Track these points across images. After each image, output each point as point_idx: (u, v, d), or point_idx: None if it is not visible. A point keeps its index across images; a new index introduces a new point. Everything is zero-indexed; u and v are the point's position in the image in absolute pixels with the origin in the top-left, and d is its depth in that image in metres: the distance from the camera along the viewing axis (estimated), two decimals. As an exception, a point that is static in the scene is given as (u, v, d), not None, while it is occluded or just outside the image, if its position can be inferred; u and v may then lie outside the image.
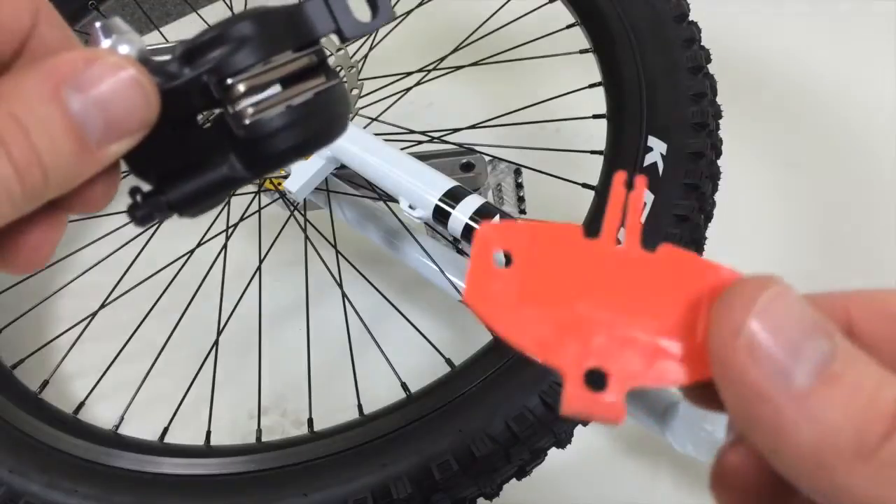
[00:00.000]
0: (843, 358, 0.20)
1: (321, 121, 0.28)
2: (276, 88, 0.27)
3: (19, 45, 0.26)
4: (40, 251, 0.27)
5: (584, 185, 0.74)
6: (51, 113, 0.24)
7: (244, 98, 0.27)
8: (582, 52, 0.81)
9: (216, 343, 0.78)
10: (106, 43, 0.26)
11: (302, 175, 0.75)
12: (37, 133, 0.24)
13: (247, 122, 0.27)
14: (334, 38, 0.29)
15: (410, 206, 0.68)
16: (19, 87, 0.24)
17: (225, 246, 0.83)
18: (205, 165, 0.28)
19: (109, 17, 0.28)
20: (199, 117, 0.28)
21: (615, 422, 0.21)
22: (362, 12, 0.29)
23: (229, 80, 0.26)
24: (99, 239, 0.88)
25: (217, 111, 0.27)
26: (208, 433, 0.72)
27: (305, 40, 0.28)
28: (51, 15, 0.27)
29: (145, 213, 0.28)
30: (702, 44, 0.77)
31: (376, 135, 0.75)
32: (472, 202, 0.66)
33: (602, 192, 0.72)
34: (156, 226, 0.84)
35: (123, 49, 0.26)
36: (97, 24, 0.26)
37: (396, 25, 0.93)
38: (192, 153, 0.28)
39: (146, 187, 0.28)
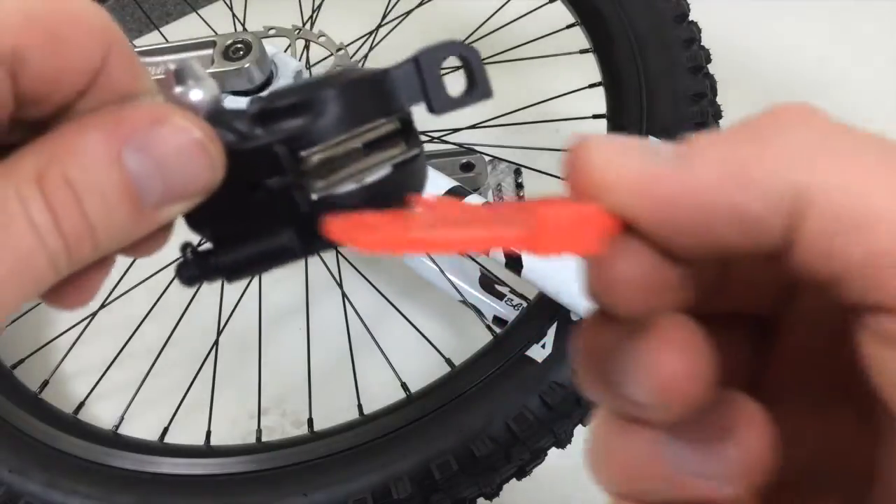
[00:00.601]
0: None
1: (394, 198, 0.25)
2: (351, 160, 0.25)
3: (87, 84, 0.23)
4: (86, 293, 0.26)
5: (584, 185, 0.74)
6: (109, 177, 0.22)
7: (315, 172, 0.24)
8: (582, 52, 0.81)
9: (216, 343, 0.78)
10: (178, 87, 0.24)
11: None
12: (91, 200, 0.22)
13: (314, 196, 0.24)
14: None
15: (410, 206, 0.68)
16: (77, 144, 0.22)
17: (225, 246, 0.83)
18: (262, 235, 0.25)
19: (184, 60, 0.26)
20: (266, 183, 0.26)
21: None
22: (455, 85, 0.26)
23: (303, 153, 0.24)
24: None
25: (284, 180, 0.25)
26: (208, 433, 0.72)
27: (390, 112, 0.25)
28: (123, 50, 0.24)
29: (194, 273, 0.26)
30: (702, 44, 0.77)
31: (376, 135, 0.75)
32: (471, 202, 0.66)
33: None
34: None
35: (195, 95, 0.24)
36: (172, 67, 0.25)
37: (396, 25, 0.93)
38: (251, 219, 0.26)
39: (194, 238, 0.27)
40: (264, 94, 0.26)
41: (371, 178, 0.25)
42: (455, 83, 0.26)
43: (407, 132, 0.26)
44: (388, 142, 0.26)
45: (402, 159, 0.26)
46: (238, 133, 0.24)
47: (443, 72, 0.26)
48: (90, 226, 0.22)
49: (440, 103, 0.26)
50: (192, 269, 0.26)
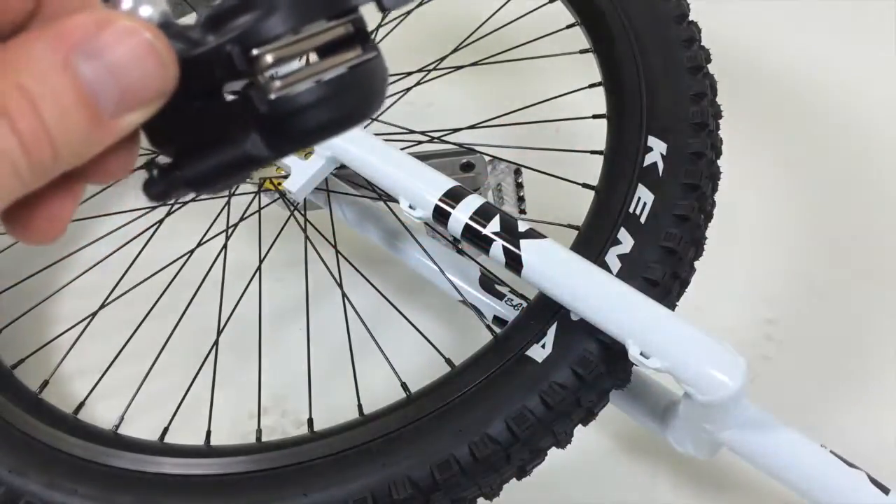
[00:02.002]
0: None
1: (354, 98, 0.26)
2: (307, 61, 0.25)
3: (34, 3, 0.24)
4: (56, 222, 0.26)
5: (584, 185, 0.74)
6: (61, 83, 0.22)
7: (270, 71, 0.24)
8: (582, 52, 0.81)
9: (216, 343, 0.78)
10: (126, 4, 0.24)
11: (302, 175, 0.75)
12: (45, 105, 0.22)
13: (272, 96, 0.24)
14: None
15: (410, 206, 0.68)
16: (27, 54, 0.22)
17: (225, 246, 0.83)
18: (225, 142, 0.26)
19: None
20: (224, 90, 0.26)
21: None
22: None
23: (255, 51, 0.24)
24: (99, 239, 0.88)
25: (241, 83, 0.25)
26: (208, 433, 0.72)
27: (341, 8, 0.25)
28: None
29: (161, 189, 0.26)
30: (702, 44, 0.77)
31: (376, 135, 0.75)
32: (472, 202, 0.66)
33: (602, 192, 0.72)
34: (156, 226, 0.84)
35: (144, 11, 0.24)
36: None
37: (396, 26, 0.93)
38: (213, 128, 0.26)
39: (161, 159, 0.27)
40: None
41: (328, 76, 0.25)
42: None
43: (362, 38, 0.26)
44: (343, 47, 0.25)
45: (358, 61, 0.26)
46: (190, 41, 0.25)
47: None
48: (46, 129, 0.22)
49: None
50: (159, 185, 0.26)
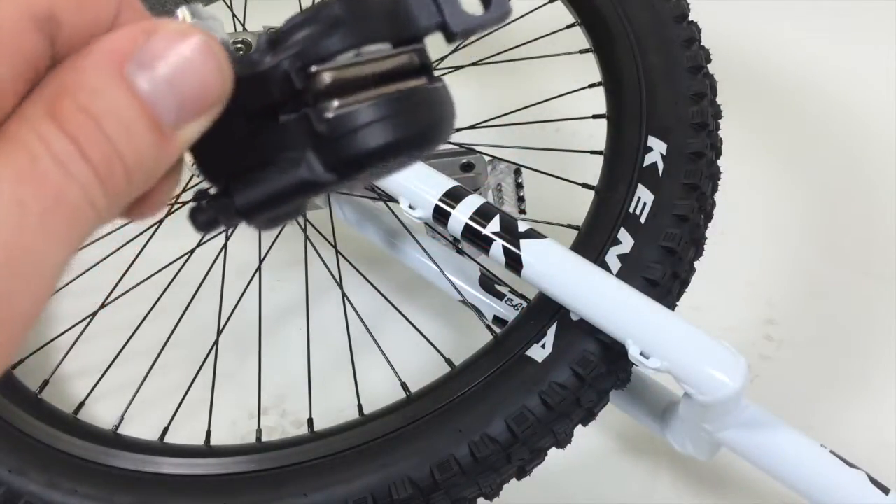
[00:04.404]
0: None
1: (418, 120, 0.24)
2: (368, 84, 0.23)
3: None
4: (156, 207, 0.25)
5: (584, 185, 0.74)
6: (120, 96, 0.21)
7: (329, 91, 0.23)
8: (582, 52, 0.81)
9: (216, 343, 0.78)
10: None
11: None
12: (110, 123, 0.21)
13: (330, 115, 0.23)
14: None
15: (410, 206, 0.68)
16: (78, 74, 0.21)
17: (225, 246, 0.83)
18: (280, 166, 0.24)
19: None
20: (281, 112, 0.24)
21: None
22: (472, 6, 0.25)
23: (314, 68, 0.23)
24: (99, 239, 0.87)
25: (299, 105, 0.24)
26: (208, 433, 0.72)
27: (405, 34, 0.24)
28: (134, 3, 0.24)
29: (209, 217, 0.24)
30: (702, 44, 0.77)
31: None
32: (472, 202, 0.66)
33: (602, 192, 0.72)
34: (156, 226, 0.84)
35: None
36: (179, 10, 0.24)
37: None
38: (268, 152, 0.24)
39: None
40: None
41: (390, 95, 0.23)
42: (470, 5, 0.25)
43: (427, 71, 0.25)
44: (406, 76, 0.24)
45: (421, 86, 0.24)
46: (248, 62, 0.24)
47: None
48: (116, 150, 0.21)
49: (457, 23, 0.24)
50: (208, 212, 0.24)
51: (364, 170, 0.24)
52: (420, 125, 0.24)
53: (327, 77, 0.23)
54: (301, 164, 0.24)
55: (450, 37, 0.25)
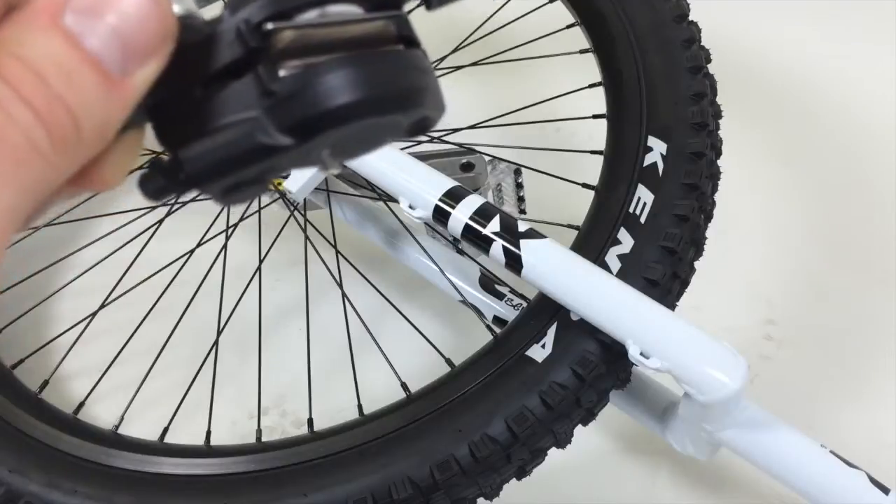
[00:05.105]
0: None
1: (388, 79, 0.22)
2: (333, 47, 0.22)
3: None
4: (115, 177, 0.24)
5: (584, 185, 0.74)
6: (57, 45, 0.21)
7: (287, 51, 0.21)
8: (582, 52, 0.81)
9: (216, 343, 0.78)
10: None
11: (302, 175, 0.75)
12: (49, 70, 0.21)
13: (283, 72, 0.21)
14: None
15: (410, 206, 0.68)
16: (13, 27, 0.21)
17: (225, 246, 0.83)
18: (232, 131, 0.22)
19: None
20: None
21: None
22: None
23: (270, 25, 0.21)
24: (99, 239, 0.88)
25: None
26: (208, 433, 0.72)
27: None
28: None
29: (158, 184, 0.23)
30: (702, 44, 0.77)
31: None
32: (472, 202, 0.66)
33: (602, 192, 0.72)
34: (156, 226, 0.84)
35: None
36: None
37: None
38: (221, 118, 0.22)
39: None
40: None
41: (355, 53, 0.21)
42: None
43: (409, 41, 0.23)
44: (380, 45, 0.22)
45: (392, 50, 0.22)
46: (205, 24, 0.23)
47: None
48: (57, 95, 0.21)
49: None
50: (157, 180, 0.23)
51: (322, 132, 0.22)
52: (386, 87, 0.22)
53: (285, 36, 0.21)
54: (253, 126, 0.22)
55: (428, 3, 0.23)
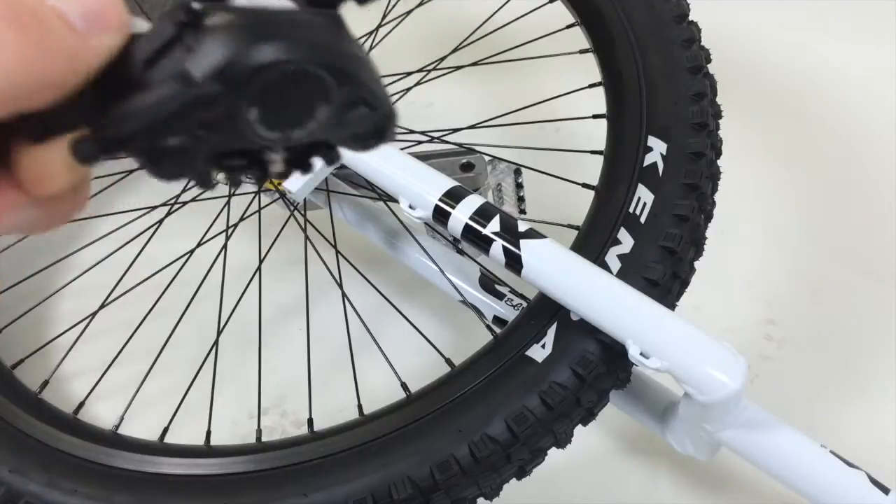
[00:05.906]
0: None
1: (305, 36, 0.24)
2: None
3: None
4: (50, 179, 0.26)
5: (584, 185, 0.74)
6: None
7: (215, 26, 0.23)
8: (582, 52, 0.81)
9: (216, 343, 0.78)
10: None
11: (302, 175, 0.75)
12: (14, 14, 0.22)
13: (195, 5, 0.23)
14: None
15: (410, 206, 0.68)
16: None
17: (225, 246, 0.83)
18: (158, 87, 0.23)
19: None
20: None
21: None
22: None
23: (197, 5, 0.23)
24: (99, 239, 0.88)
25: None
26: (208, 433, 0.72)
27: None
28: None
29: (89, 147, 0.24)
30: (702, 44, 0.77)
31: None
32: (472, 202, 0.66)
33: (602, 192, 0.72)
34: (156, 226, 0.84)
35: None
36: None
37: (396, 25, 0.93)
38: (153, 81, 0.24)
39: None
40: None
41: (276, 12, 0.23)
42: None
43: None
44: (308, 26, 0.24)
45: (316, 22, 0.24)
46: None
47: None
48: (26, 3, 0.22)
49: None
50: (87, 143, 0.24)
51: (240, 81, 0.23)
52: (300, 38, 0.23)
53: (212, 13, 0.23)
54: (177, 79, 0.23)
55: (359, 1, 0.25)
